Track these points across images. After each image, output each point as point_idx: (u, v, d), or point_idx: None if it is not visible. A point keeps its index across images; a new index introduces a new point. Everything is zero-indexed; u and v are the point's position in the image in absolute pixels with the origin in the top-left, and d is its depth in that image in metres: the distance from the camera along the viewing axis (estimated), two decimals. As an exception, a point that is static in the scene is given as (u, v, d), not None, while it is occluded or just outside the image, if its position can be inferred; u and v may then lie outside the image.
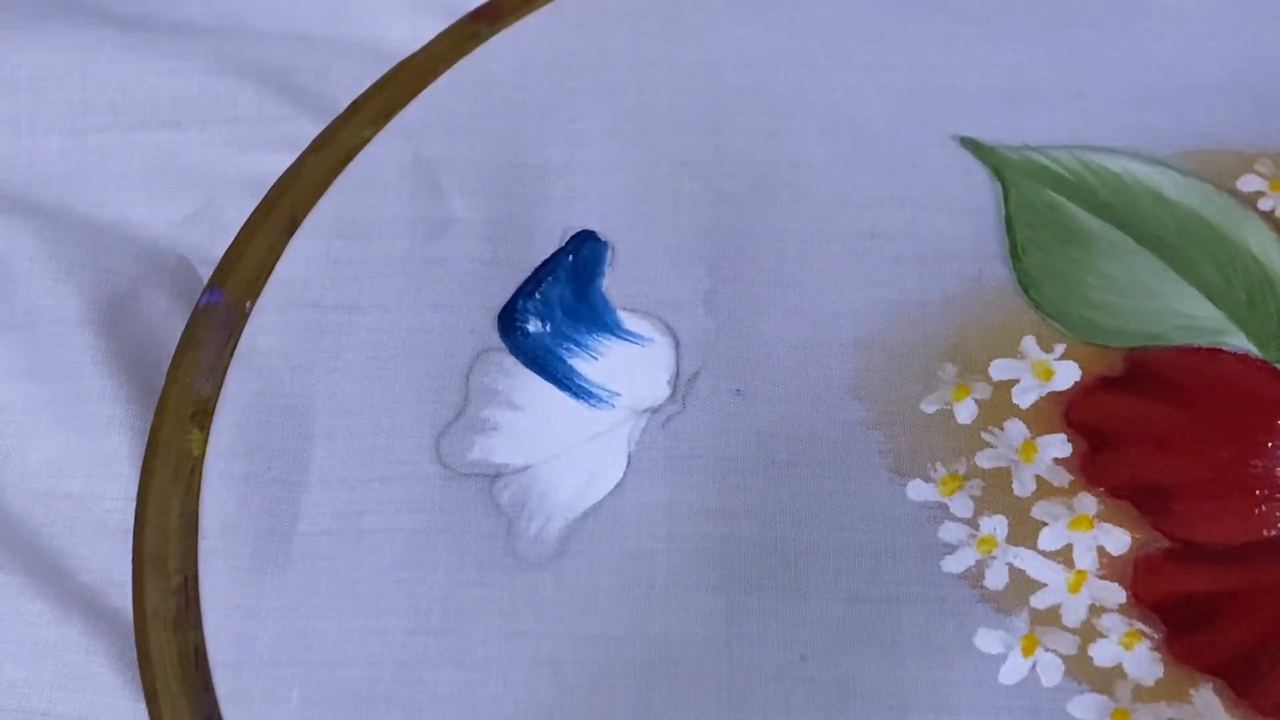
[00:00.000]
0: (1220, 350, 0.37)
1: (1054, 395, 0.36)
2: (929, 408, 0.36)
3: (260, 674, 0.34)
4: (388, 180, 0.41)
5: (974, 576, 0.34)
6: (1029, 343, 0.37)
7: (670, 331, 0.38)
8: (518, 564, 0.35)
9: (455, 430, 0.37)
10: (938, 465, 0.35)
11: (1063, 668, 0.33)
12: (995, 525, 0.35)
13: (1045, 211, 0.39)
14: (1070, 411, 0.36)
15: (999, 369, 0.37)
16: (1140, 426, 0.36)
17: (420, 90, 0.43)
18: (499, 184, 0.41)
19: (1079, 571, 0.34)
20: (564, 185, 0.40)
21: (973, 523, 0.35)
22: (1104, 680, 0.32)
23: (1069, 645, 0.33)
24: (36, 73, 0.46)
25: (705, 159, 0.41)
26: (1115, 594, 0.34)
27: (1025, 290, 0.38)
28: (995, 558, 0.34)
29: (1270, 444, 0.36)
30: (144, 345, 0.40)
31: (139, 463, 0.37)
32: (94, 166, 0.44)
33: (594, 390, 0.37)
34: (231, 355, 0.38)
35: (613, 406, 0.37)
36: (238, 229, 0.40)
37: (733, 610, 0.34)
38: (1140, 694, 0.32)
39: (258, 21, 0.47)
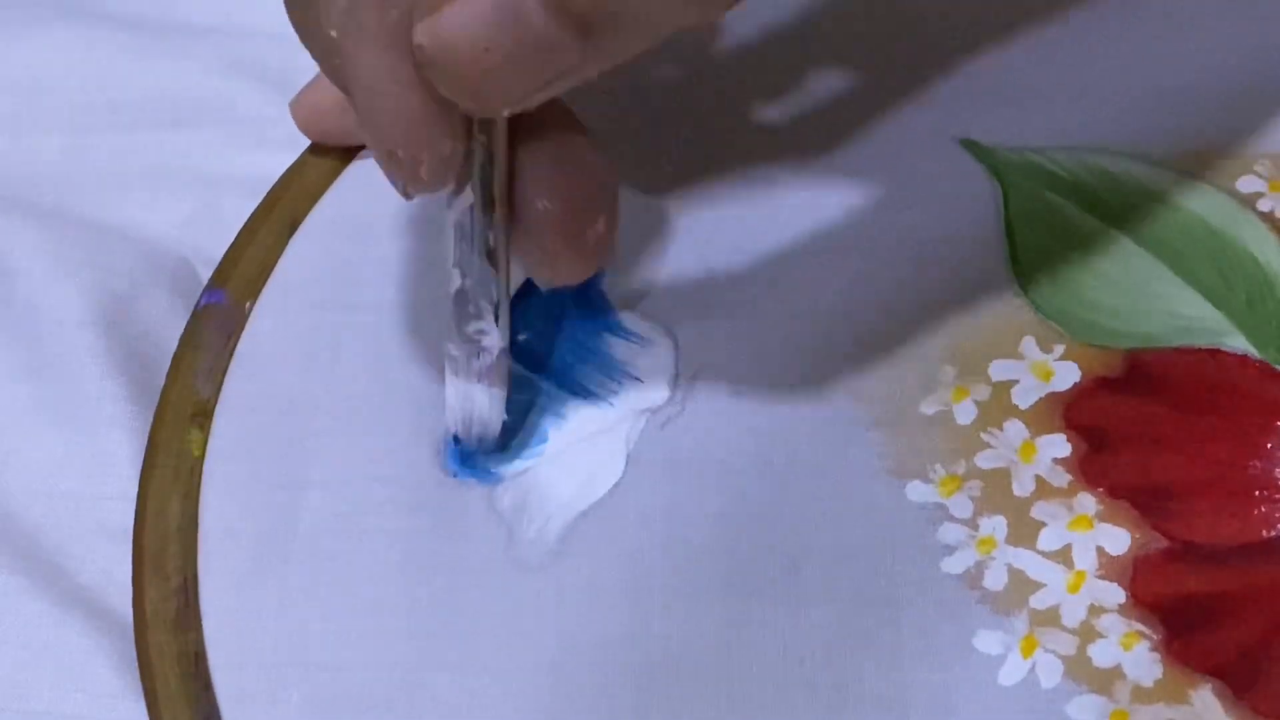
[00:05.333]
0: (1219, 351, 0.37)
1: (1053, 396, 0.36)
2: (928, 409, 0.36)
3: (260, 674, 0.34)
4: (388, 180, 0.41)
5: (973, 577, 0.34)
6: (1028, 344, 0.37)
7: (669, 332, 0.38)
8: (517, 567, 0.35)
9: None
10: (937, 466, 0.35)
11: (1062, 669, 0.33)
12: (994, 526, 0.35)
13: (1045, 213, 0.39)
14: (1070, 412, 0.36)
15: (998, 370, 0.37)
16: (1139, 427, 0.36)
17: (420, 90, 0.43)
18: (499, 184, 0.41)
19: (1078, 572, 0.34)
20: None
21: (972, 523, 0.35)
22: (1103, 681, 0.32)
23: (1068, 646, 0.33)
24: (36, 73, 0.46)
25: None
26: (1114, 594, 0.34)
27: (1025, 291, 0.38)
28: (994, 558, 0.34)
29: (1269, 445, 0.36)
30: (144, 345, 0.40)
31: (139, 463, 0.37)
32: (94, 166, 0.44)
33: (593, 389, 0.37)
34: (231, 355, 0.38)
35: (611, 405, 0.37)
36: (238, 229, 0.40)
37: (732, 613, 0.34)
38: (1139, 695, 0.32)
39: (258, 21, 0.47)
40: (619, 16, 0.28)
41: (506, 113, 0.30)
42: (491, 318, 0.34)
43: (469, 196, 0.32)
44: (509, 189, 0.33)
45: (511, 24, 0.27)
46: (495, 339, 0.35)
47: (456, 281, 0.34)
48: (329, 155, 0.42)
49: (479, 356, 0.35)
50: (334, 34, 0.30)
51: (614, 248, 0.34)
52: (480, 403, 0.35)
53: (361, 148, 0.42)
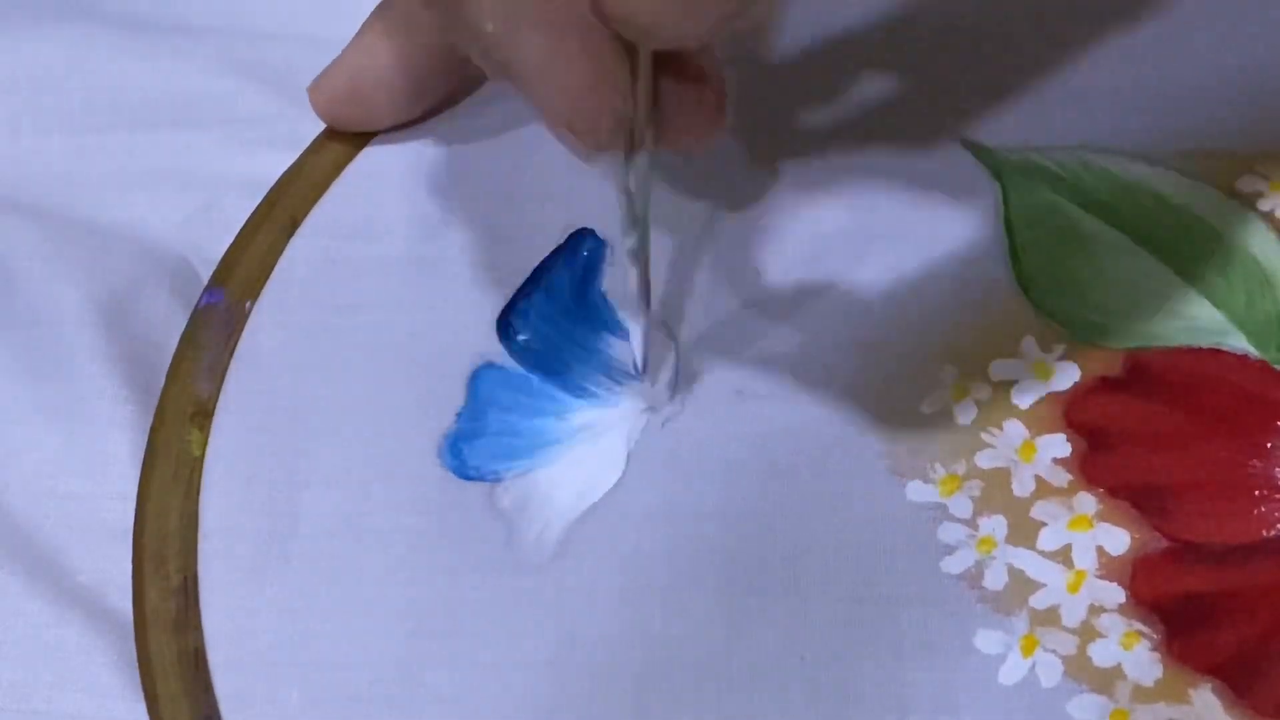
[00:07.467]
0: (1219, 350, 0.37)
1: (1053, 396, 0.36)
2: (928, 408, 0.36)
3: (260, 674, 0.34)
4: (388, 180, 0.41)
5: (973, 577, 0.34)
6: (1028, 343, 0.37)
7: (670, 331, 0.38)
8: (518, 566, 0.35)
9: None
10: (937, 466, 0.35)
11: (1062, 668, 0.33)
12: (994, 525, 0.35)
13: (1045, 212, 0.39)
14: (1070, 412, 0.36)
15: (998, 369, 0.37)
16: (1139, 427, 0.36)
17: (420, 90, 0.43)
18: (499, 183, 0.41)
19: (1078, 571, 0.34)
20: (564, 183, 0.40)
21: (972, 523, 0.35)
22: (1103, 681, 0.32)
23: (1068, 646, 0.33)
24: (36, 73, 0.46)
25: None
26: (1114, 594, 0.34)
27: (1025, 291, 0.38)
28: (994, 558, 0.34)
29: (1269, 444, 0.36)
30: (144, 345, 0.40)
31: (139, 463, 0.37)
32: (94, 166, 0.44)
33: (593, 389, 0.37)
34: (231, 355, 0.38)
35: (611, 405, 0.37)
36: (238, 229, 0.40)
37: (732, 611, 0.34)
38: (1139, 694, 0.32)
39: (258, 21, 0.47)
40: None
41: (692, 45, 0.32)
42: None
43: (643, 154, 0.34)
44: None
45: None
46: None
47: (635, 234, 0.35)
48: (329, 155, 0.42)
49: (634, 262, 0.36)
50: (490, 28, 0.31)
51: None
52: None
53: (365, 142, 0.42)
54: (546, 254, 0.39)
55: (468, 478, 0.36)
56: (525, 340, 0.38)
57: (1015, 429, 0.36)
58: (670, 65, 0.33)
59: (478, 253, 0.39)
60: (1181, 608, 0.33)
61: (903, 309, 0.38)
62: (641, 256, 0.35)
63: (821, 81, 0.42)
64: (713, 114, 0.35)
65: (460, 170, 0.41)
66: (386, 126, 0.42)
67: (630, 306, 0.36)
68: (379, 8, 0.41)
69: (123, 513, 0.37)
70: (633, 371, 0.37)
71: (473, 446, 0.36)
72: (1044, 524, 0.35)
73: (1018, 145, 0.41)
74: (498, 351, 0.38)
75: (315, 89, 0.41)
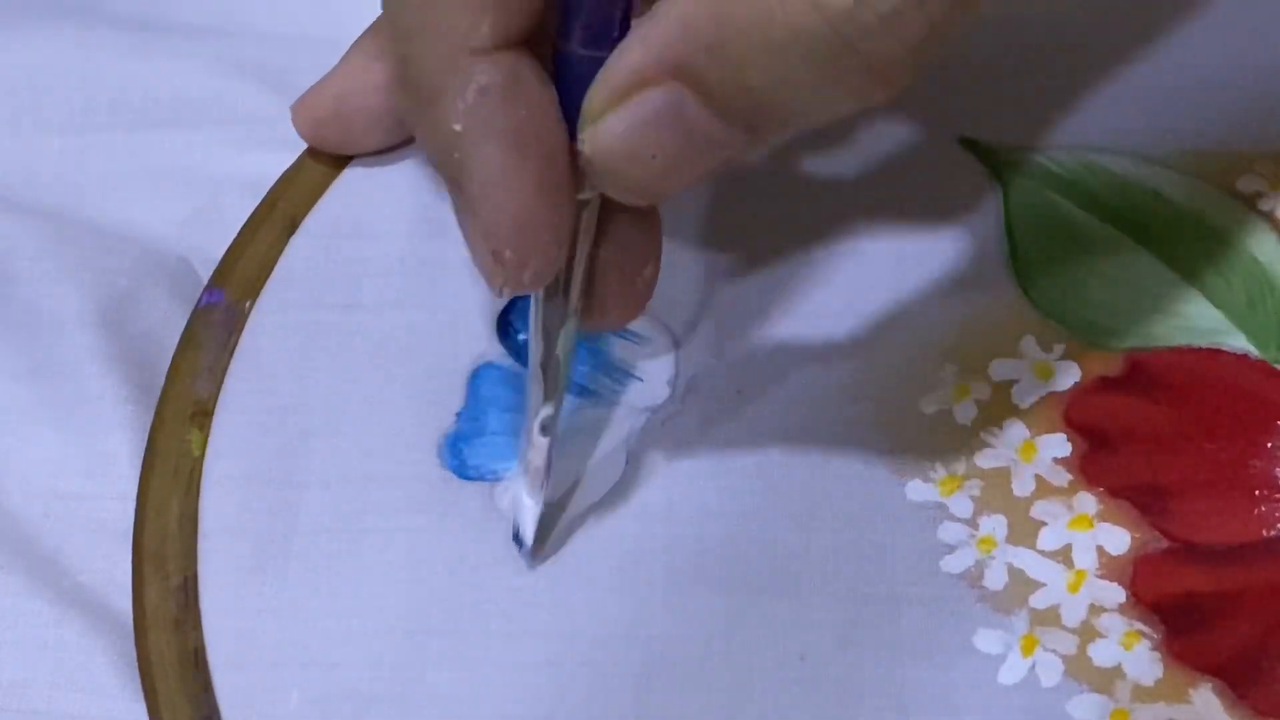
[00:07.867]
0: (1220, 350, 0.37)
1: (1054, 395, 0.36)
2: (928, 408, 0.36)
3: (260, 674, 0.34)
4: (388, 180, 0.41)
5: (973, 576, 0.34)
6: (1029, 343, 0.37)
7: (670, 331, 0.38)
8: (517, 565, 0.35)
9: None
10: (937, 465, 0.35)
11: (1062, 668, 0.33)
12: (995, 525, 0.35)
13: (1045, 212, 0.39)
14: (1070, 411, 0.36)
15: (999, 369, 0.37)
16: (1140, 426, 0.36)
17: (420, 90, 0.43)
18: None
19: (1078, 571, 0.34)
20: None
21: (972, 522, 0.35)
22: (1103, 680, 0.32)
23: (1068, 645, 0.33)
24: (36, 73, 0.46)
25: None
26: (1115, 594, 0.34)
27: (1025, 290, 0.38)
28: (994, 557, 0.34)
29: (1270, 444, 0.36)
30: (144, 345, 0.40)
31: (139, 463, 0.37)
32: (94, 166, 0.44)
33: (593, 388, 0.37)
34: (231, 355, 0.38)
35: (611, 405, 0.37)
36: (238, 229, 0.40)
37: (732, 610, 0.34)
38: (1139, 694, 0.32)
39: (258, 21, 0.47)
40: (780, 111, 0.28)
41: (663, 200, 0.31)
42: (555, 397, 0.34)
43: (566, 299, 0.32)
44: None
45: (674, 128, 0.28)
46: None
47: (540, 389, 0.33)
48: (329, 155, 0.42)
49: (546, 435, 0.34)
50: (457, 127, 0.30)
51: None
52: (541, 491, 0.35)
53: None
54: (546, 254, 0.39)
55: (468, 478, 0.36)
56: (525, 340, 0.38)
57: (1015, 429, 0.36)
58: (610, 228, 0.32)
59: (478, 252, 0.39)
60: (1181, 608, 0.33)
61: (903, 308, 0.38)
62: (554, 430, 0.34)
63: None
64: (645, 289, 0.34)
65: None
66: (367, 151, 0.41)
67: (529, 485, 0.34)
68: (370, 28, 0.40)
69: (123, 513, 0.37)
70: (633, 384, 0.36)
71: (473, 446, 0.36)
72: (1044, 523, 0.35)
73: (1018, 145, 0.41)
74: (498, 351, 0.38)
75: (298, 108, 0.41)
